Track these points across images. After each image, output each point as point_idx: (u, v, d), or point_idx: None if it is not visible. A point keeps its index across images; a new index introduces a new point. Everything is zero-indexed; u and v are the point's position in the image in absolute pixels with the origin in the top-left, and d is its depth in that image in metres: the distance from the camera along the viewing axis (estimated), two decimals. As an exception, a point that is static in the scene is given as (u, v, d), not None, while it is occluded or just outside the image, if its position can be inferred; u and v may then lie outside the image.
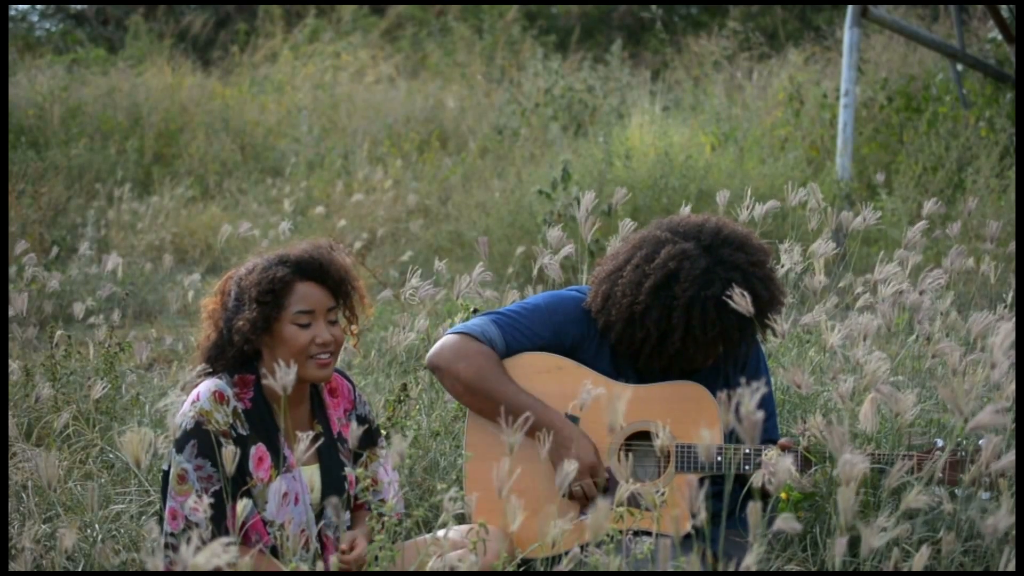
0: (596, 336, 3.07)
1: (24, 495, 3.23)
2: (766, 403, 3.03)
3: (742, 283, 2.90)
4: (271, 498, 2.67)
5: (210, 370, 2.73)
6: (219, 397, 2.67)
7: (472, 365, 2.98)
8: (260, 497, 2.67)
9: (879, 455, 2.86)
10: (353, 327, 2.88)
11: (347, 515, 2.81)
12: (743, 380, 2.19)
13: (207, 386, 2.69)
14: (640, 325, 2.95)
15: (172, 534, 2.61)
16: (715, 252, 2.95)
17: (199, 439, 2.62)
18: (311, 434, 2.41)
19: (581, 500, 2.94)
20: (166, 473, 2.66)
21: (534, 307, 3.09)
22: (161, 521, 2.67)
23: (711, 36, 12.46)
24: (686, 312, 2.90)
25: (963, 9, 9.68)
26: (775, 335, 3.04)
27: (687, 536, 2.80)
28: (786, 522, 2.12)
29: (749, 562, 2.00)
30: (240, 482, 2.64)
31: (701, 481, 2.15)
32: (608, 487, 2.96)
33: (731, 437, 2.85)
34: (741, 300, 2.78)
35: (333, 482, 2.77)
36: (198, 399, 2.66)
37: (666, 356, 2.96)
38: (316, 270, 2.75)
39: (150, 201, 8.95)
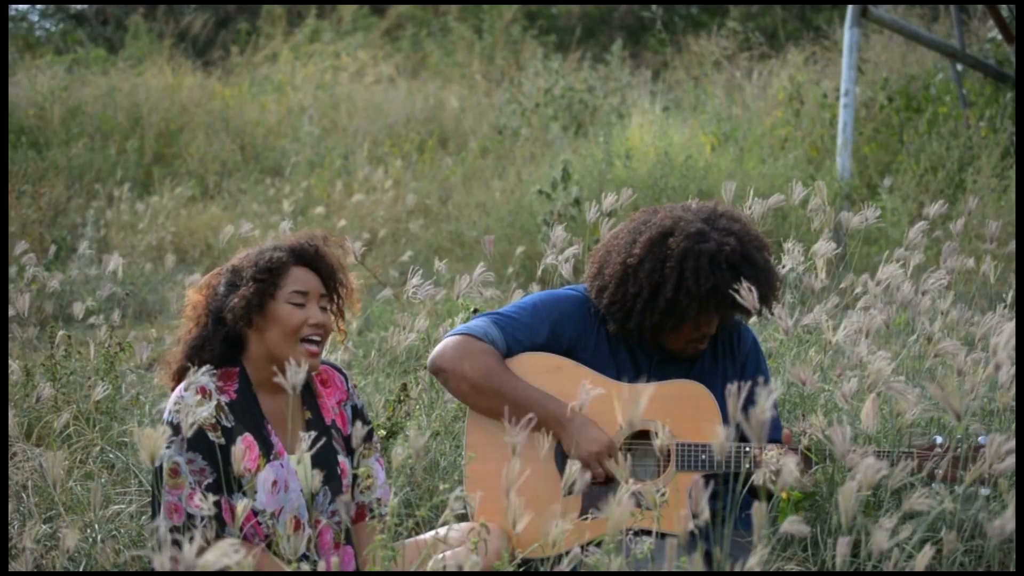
0: (594, 333, 3.07)
1: (24, 495, 3.23)
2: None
3: (736, 246, 2.91)
4: (260, 487, 2.68)
5: (214, 371, 2.74)
6: (202, 391, 2.69)
7: (478, 364, 2.98)
8: (249, 487, 2.68)
9: (881, 452, 2.86)
10: (340, 323, 2.90)
11: (347, 499, 2.82)
12: (761, 380, 2.18)
13: (188, 382, 2.70)
14: (633, 279, 2.95)
15: (173, 528, 2.62)
16: (711, 221, 2.99)
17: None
18: (314, 434, 2.42)
19: (603, 482, 2.94)
20: (157, 469, 2.66)
21: (532, 306, 3.09)
22: (154, 516, 2.68)
23: (711, 36, 12.46)
24: (679, 263, 2.90)
25: (963, 9, 9.68)
26: (771, 312, 3.03)
27: (691, 536, 2.80)
28: (794, 525, 2.11)
29: (753, 563, 1.99)
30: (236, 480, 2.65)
31: (707, 480, 2.14)
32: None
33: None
34: (748, 295, 2.78)
35: (325, 470, 2.78)
36: (181, 395, 2.67)
37: (657, 312, 2.94)
38: (311, 256, 2.80)
39: (150, 201, 8.95)
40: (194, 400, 2.67)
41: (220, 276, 2.83)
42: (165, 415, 2.65)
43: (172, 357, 2.85)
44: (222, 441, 2.64)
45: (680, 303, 2.92)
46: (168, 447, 2.62)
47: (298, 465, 2.68)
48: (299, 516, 2.73)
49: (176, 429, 2.63)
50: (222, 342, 2.77)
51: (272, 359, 2.73)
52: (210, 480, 2.63)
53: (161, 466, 2.64)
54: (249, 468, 2.69)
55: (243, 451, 2.45)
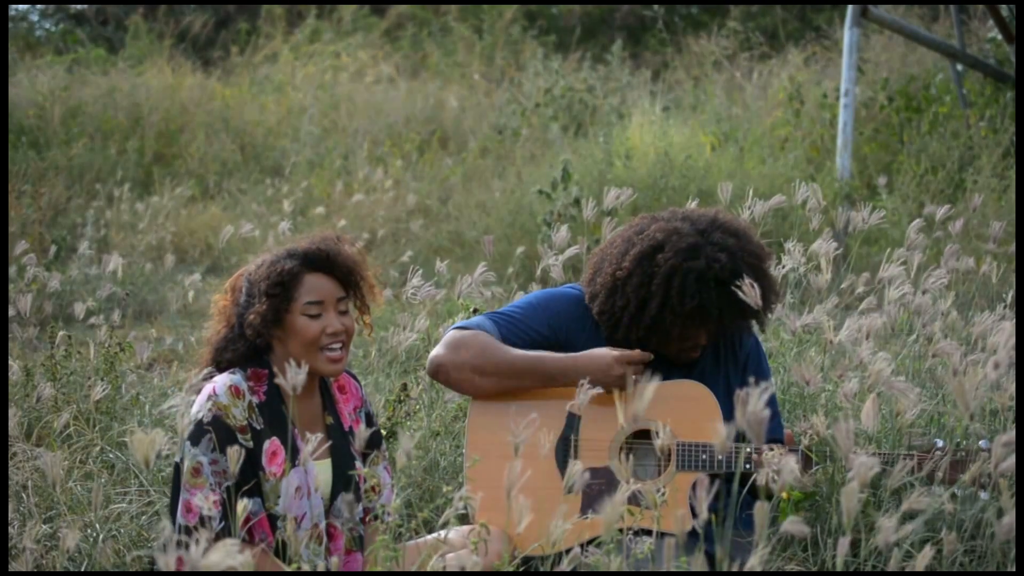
0: (592, 331, 3.07)
1: (24, 495, 3.23)
2: (770, 403, 3.02)
3: (727, 263, 2.89)
4: (284, 492, 2.67)
5: (215, 372, 2.73)
6: (235, 391, 2.67)
7: (473, 347, 2.99)
8: (272, 492, 2.67)
9: (881, 455, 2.86)
10: (366, 317, 2.89)
11: (359, 508, 2.82)
12: (752, 380, 2.18)
13: (223, 380, 2.68)
14: (621, 292, 2.96)
15: (186, 527, 2.61)
16: (707, 234, 2.96)
17: (216, 433, 2.62)
18: (320, 436, 2.42)
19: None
20: (177, 465, 2.65)
21: (529, 305, 3.10)
22: (173, 513, 2.66)
23: (711, 36, 12.46)
24: (666, 281, 2.90)
25: (963, 9, 9.69)
26: (762, 329, 3.02)
27: (691, 535, 2.80)
28: (794, 525, 2.11)
29: (754, 563, 1.99)
30: (252, 478, 2.64)
31: (712, 480, 2.14)
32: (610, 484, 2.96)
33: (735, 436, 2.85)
34: (750, 291, 2.78)
35: (344, 476, 2.77)
36: (215, 393, 2.65)
37: (642, 327, 2.95)
38: (324, 261, 2.77)
39: (150, 201, 8.95)
40: (228, 399, 2.66)
41: (243, 279, 2.82)
42: (194, 410, 2.61)
43: (199, 359, 2.84)
44: (250, 445, 2.63)
45: (664, 320, 2.92)
46: (195, 445, 2.61)
47: (315, 462, 2.68)
48: (319, 523, 2.72)
49: (205, 427, 2.61)
50: (247, 345, 2.76)
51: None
52: (230, 482, 2.61)
53: (182, 462, 2.63)
54: (275, 472, 2.67)
55: (239, 453, 2.42)
